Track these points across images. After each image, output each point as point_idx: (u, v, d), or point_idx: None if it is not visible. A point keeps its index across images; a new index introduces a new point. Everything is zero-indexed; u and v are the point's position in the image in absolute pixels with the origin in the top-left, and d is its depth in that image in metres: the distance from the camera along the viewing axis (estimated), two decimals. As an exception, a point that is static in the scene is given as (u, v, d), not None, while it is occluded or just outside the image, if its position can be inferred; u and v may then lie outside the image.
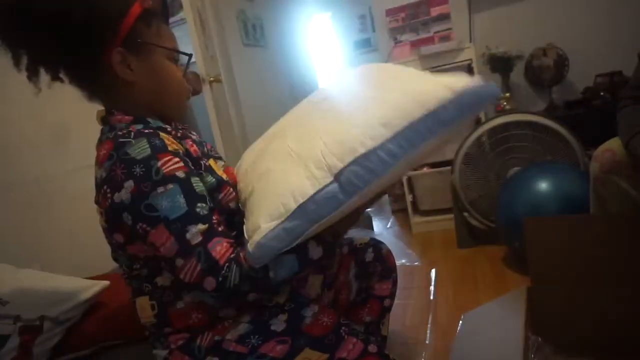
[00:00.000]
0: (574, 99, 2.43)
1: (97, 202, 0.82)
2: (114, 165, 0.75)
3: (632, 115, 1.28)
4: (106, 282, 1.25)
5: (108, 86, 0.85)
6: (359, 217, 0.92)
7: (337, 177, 0.74)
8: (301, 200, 0.74)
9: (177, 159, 0.78)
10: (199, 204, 0.77)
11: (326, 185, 0.74)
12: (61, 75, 0.84)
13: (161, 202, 0.74)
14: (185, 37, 2.39)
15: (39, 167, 1.61)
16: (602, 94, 2.31)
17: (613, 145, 1.32)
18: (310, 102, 1.00)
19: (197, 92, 2.41)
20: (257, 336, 0.82)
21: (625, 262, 1.18)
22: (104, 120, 0.86)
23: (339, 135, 0.78)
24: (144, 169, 0.74)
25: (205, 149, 0.96)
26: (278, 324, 0.84)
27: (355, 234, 1.58)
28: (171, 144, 0.80)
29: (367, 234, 1.31)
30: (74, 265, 1.51)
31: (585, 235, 1.24)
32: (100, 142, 0.83)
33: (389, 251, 1.20)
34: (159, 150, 0.77)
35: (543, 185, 1.82)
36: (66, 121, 1.45)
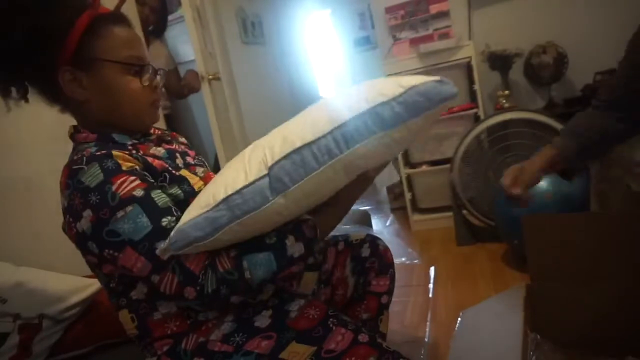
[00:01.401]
0: (573, 97, 2.43)
1: (63, 229, 0.81)
2: (72, 195, 0.74)
3: (581, 118, 1.23)
4: (105, 280, 1.25)
5: (66, 104, 0.85)
6: (344, 213, 0.88)
7: (269, 171, 0.71)
8: (230, 192, 0.71)
9: (132, 177, 0.76)
10: (164, 219, 0.75)
11: (257, 179, 0.71)
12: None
13: (122, 226, 0.72)
14: (184, 34, 2.38)
15: (37, 165, 1.60)
16: (601, 91, 2.30)
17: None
18: None
19: (195, 89, 2.41)
20: (241, 334, 0.81)
21: (623, 259, 1.18)
22: (72, 137, 0.86)
23: (286, 132, 0.75)
24: (99, 197, 0.73)
25: (181, 159, 0.94)
26: (262, 320, 0.83)
27: (352, 230, 1.58)
28: (124, 162, 0.77)
29: (366, 231, 1.30)
30: (73, 264, 1.51)
31: (584, 232, 1.24)
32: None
33: (386, 247, 1.18)
34: (112, 173, 0.75)
35: (542, 183, 1.82)
36: (63, 119, 1.44)
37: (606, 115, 1.15)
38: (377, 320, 1.16)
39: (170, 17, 2.66)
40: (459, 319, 1.49)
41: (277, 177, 0.70)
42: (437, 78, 0.72)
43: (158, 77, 0.90)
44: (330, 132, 0.70)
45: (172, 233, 0.72)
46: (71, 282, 1.22)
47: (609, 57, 2.41)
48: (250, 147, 0.85)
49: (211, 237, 0.71)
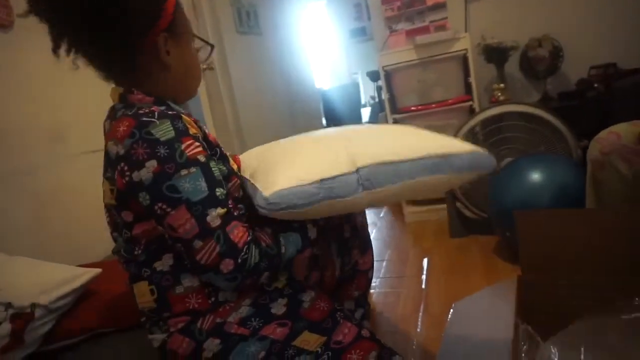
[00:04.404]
0: (568, 91, 2.44)
1: (108, 178, 0.82)
2: (136, 144, 0.76)
3: None
4: (98, 270, 1.25)
5: (140, 67, 0.85)
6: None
7: (359, 170, 0.86)
8: (325, 176, 0.83)
9: (197, 143, 0.80)
10: (217, 189, 0.79)
11: (347, 173, 0.85)
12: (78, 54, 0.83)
13: (184, 184, 0.76)
14: (179, 23, 2.36)
15: (34, 156, 1.59)
16: (595, 85, 2.31)
17: (620, 128, 1.33)
18: (343, 128, 1.12)
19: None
20: (258, 319, 0.84)
21: (614, 251, 1.19)
22: (122, 97, 0.86)
23: (372, 141, 0.93)
24: (168, 150, 0.76)
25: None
26: (278, 307, 0.87)
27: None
28: (191, 127, 0.82)
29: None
30: (66, 253, 1.51)
31: (575, 227, 1.25)
32: (114, 118, 0.83)
33: (363, 223, 1.25)
34: (182, 133, 0.79)
35: (535, 176, 1.83)
36: (60, 111, 1.43)
37: None
38: (366, 294, 1.27)
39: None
40: (451, 310, 1.51)
41: (366, 177, 0.86)
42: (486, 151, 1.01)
43: None
44: (414, 160, 0.90)
45: (270, 195, 0.81)
46: (64, 271, 1.22)
47: (604, 51, 2.43)
48: (320, 134, 1.05)
49: (305, 207, 0.82)
